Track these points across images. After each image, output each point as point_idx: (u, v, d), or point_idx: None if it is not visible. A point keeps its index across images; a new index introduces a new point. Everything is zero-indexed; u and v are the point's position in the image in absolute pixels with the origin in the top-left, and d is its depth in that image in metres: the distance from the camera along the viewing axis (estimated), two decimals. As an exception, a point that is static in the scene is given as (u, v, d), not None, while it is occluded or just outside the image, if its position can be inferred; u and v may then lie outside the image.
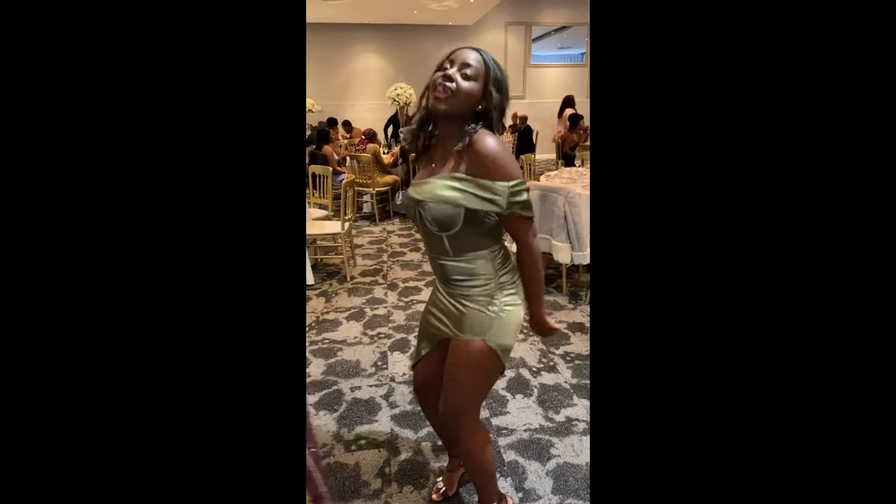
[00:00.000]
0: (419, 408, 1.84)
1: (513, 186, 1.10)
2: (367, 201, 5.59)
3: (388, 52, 9.41)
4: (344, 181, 3.90)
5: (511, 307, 1.22)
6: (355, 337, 2.77)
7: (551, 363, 2.46)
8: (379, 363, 2.49)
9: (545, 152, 8.83)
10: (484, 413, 2.06)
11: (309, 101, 8.10)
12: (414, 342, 2.56)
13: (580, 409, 2.09)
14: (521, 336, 2.67)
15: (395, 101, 7.15)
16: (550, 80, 9.85)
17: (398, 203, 5.77)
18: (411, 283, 3.56)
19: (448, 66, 1.14)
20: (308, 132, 6.02)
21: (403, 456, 1.83)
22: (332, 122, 6.94)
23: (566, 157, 6.10)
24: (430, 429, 1.87)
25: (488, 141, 1.10)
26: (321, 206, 4.13)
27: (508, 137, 7.12)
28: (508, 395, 2.19)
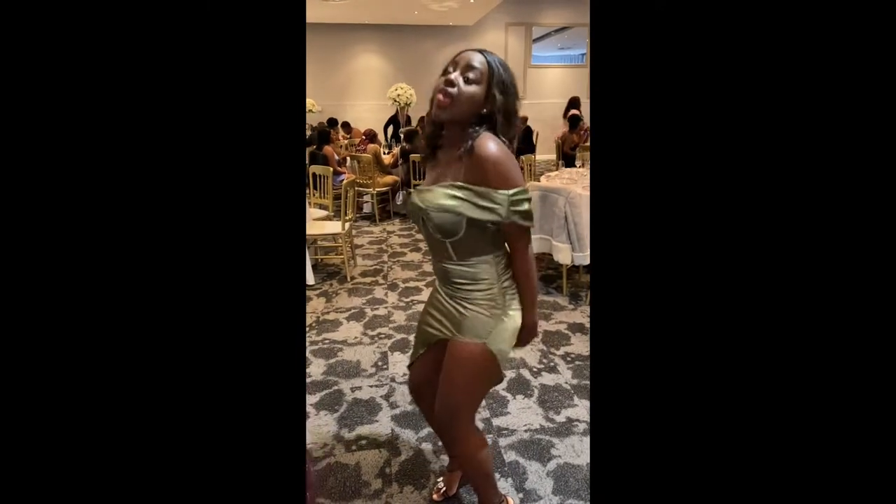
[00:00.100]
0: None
1: (513, 195, 1.08)
2: (367, 201, 5.59)
3: (388, 53, 9.41)
4: (344, 181, 3.90)
5: (514, 312, 1.21)
6: (356, 337, 2.77)
7: (552, 364, 2.46)
8: (379, 363, 2.49)
9: (545, 153, 8.84)
10: (485, 413, 2.06)
11: (309, 101, 8.10)
12: (414, 342, 2.56)
13: (581, 409, 2.09)
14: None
15: (395, 101, 7.15)
16: (551, 80, 9.84)
17: (398, 203, 5.77)
18: (412, 284, 3.56)
19: (451, 69, 1.13)
20: (308, 132, 6.03)
21: (404, 456, 1.83)
22: (332, 123, 6.94)
23: (566, 158, 6.09)
24: (431, 429, 1.87)
25: (489, 146, 1.08)
26: (322, 207, 4.13)
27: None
28: (509, 396, 2.19)
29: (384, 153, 5.81)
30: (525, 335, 1.27)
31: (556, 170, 4.92)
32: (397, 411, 2.09)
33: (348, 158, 5.72)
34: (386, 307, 3.16)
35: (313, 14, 7.80)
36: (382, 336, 2.79)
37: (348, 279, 3.63)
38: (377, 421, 2.04)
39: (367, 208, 5.68)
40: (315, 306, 3.18)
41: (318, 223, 3.71)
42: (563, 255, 3.15)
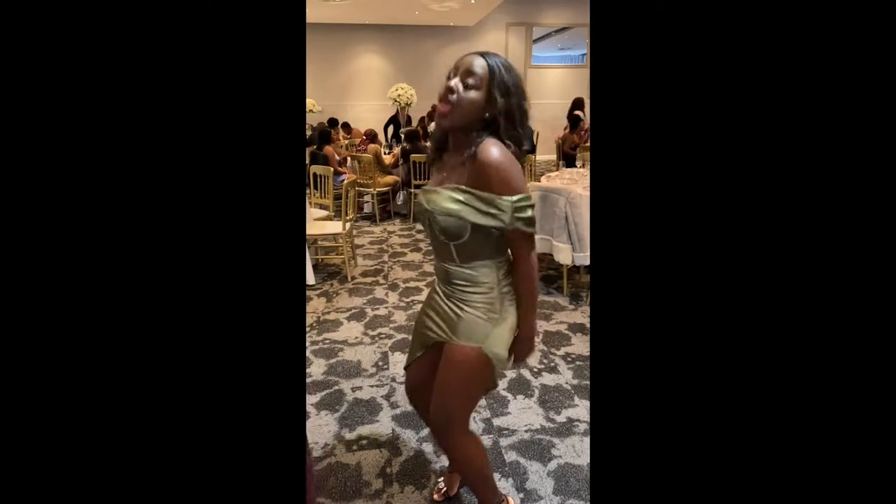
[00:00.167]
0: (420, 408, 1.84)
1: (517, 201, 1.08)
2: (367, 202, 5.59)
3: (388, 53, 9.42)
4: (345, 181, 3.90)
5: (512, 318, 1.20)
6: (356, 337, 2.77)
7: (552, 364, 2.46)
8: (380, 363, 2.49)
9: (546, 153, 8.84)
10: (485, 413, 2.06)
11: (309, 102, 8.11)
12: (415, 342, 2.56)
13: (581, 409, 2.09)
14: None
15: (395, 101, 7.16)
16: (551, 81, 9.85)
17: (399, 203, 5.77)
18: (412, 284, 3.56)
19: (452, 75, 1.12)
20: (308, 132, 6.03)
21: (405, 456, 1.83)
22: (333, 123, 6.95)
23: (567, 158, 6.09)
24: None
25: (492, 151, 1.07)
26: (322, 207, 4.14)
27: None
28: (509, 396, 2.19)
29: (385, 153, 5.81)
30: (521, 347, 1.25)
31: (557, 170, 4.92)
32: (398, 411, 2.09)
33: (349, 158, 5.73)
34: (386, 307, 3.17)
35: (313, 14, 7.81)
36: (383, 336, 2.79)
37: (349, 279, 3.63)
38: (378, 421, 2.04)
39: (367, 208, 5.69)
40: (316, 306, 3.18)
41: (319, 223, 3.71)
42: (564, 255, 3.15)
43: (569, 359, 2.51)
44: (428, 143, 5.57)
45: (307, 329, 2.85)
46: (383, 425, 2.01)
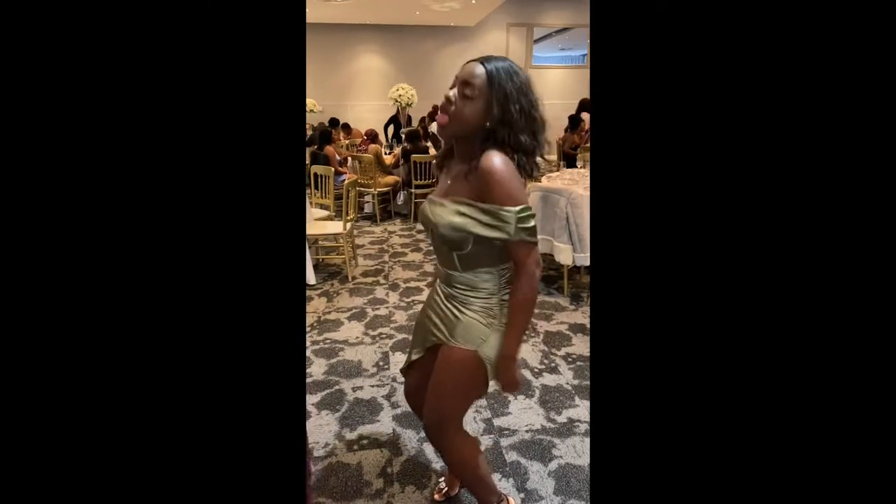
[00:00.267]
0: (420, 408, 1.84)
1: (520, 212, 1.07)
2: (368, 202, 5.60)
3: (389, 53, 9.42)
4: (345, 181, 3.90)
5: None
6: (357, 337, 2.77)
7: (553, 364, 2.46)
8: (381, 363, 2.49)
9: (546, 153, 8.82)
10: (486, 413, 2.06)
11: (310, 102, 8.11)
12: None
13: (582, 410, 2.09)
14: (523, 337, 2.67)
15: (396, 101, 7.16)
16: (552, 81, 9.84)
17: (399, 203, 5.77)
18: (412, 284, 3.56)
19: (453, 83, 1.11)
20: (308, 132, 6.03)
21: (405, 456, 1.83)
22: (333, 123, 6.95)
23: (567, 158, 6.08)
24: (432, 429, 1.87)
25: (493, 162, 1.06)
26: (323, 207, 4.14)
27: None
28: (510, 396, 2.19)
29: (385, 153, 5.82)
30: (502, 365, 1.18)
31: (557, 170, 4.92)
32: (398, 411, 2.10)
33: (349, 158, 5.73)
34: (387, 307, 3.17)
35: (314, 14, 7.81)
36: (384, 336, 2.79)
37: (349, 279, 3.64)
38: (378, 421, 2.04)
39: (368, 208, 5.69)
40: (316, 306, 3.19)
41: (320, 223, 3.72)
42: (565, 255, 3.15)
43: (569, 359, 2.51)
44: (429, 143, 5.61)
45: (308, 329, 2.85)
46: (384, 425, 2.01)
